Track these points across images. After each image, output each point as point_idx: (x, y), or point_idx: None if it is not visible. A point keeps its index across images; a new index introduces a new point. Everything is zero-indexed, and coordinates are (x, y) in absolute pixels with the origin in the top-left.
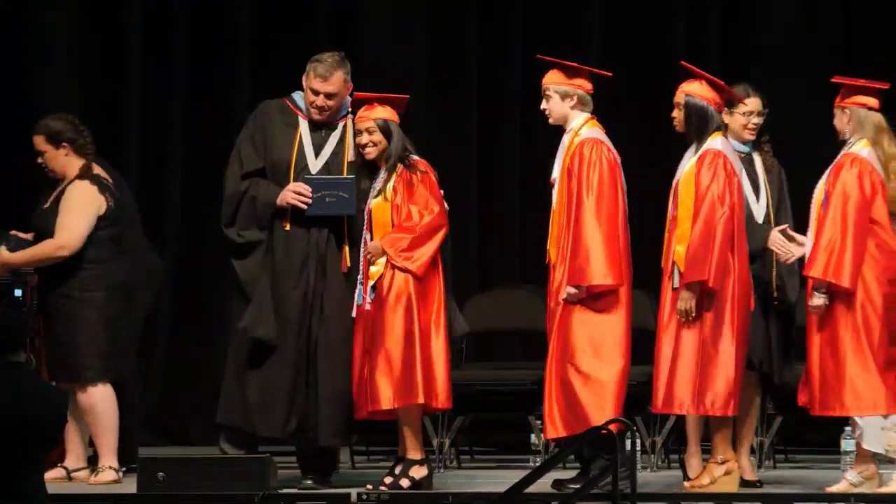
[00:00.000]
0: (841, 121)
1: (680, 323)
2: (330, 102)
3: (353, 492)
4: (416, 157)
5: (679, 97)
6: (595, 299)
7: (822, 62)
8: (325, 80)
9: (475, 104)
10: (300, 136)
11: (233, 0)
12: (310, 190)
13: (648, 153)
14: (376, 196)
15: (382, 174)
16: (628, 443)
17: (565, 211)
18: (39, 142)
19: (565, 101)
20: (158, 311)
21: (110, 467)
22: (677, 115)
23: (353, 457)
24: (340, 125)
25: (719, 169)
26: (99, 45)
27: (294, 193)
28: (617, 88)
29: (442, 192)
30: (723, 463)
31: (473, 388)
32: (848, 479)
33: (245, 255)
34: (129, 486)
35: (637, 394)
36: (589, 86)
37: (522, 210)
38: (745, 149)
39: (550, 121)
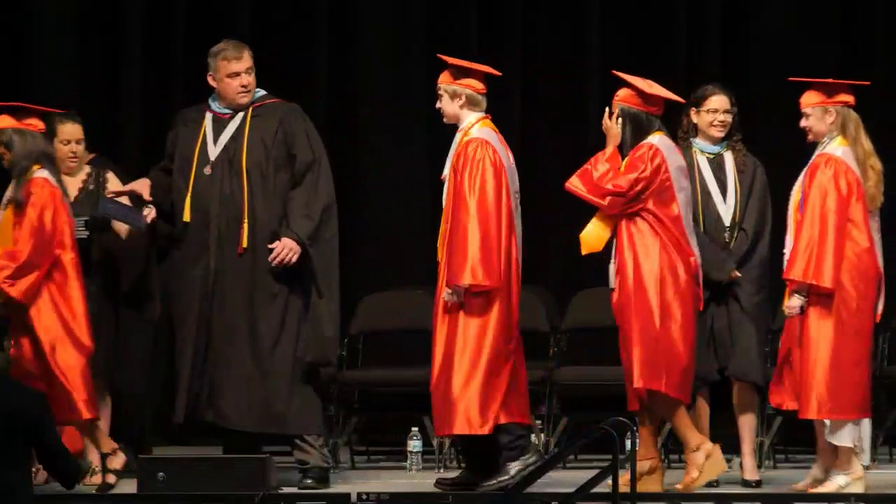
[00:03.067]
0: (824, 121)
1: (629, 319)
2: (251, 78)
3: (353, 492)
4: (38, 177)
5: (614, 107)
6: (469, 301)
7: (822, 63)
8: (239, 59)
9: None
10: (204, 128)
11: (233, 0)
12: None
13: None
14: (4, 208)
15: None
16: (628, 443)
17: (451, 210)
18: (80, 131)
19: (454, 100)
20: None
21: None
22: (614, 122)
23: (353, 457)
24: (240, 115)
25: (646, 160)
26: (99, 44)
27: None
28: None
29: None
30: (698, 449)
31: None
32: (835, 482)
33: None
34: (129, 486)
35: None
36: (480, 86)
37: (522, 211)
38: (715, 149)
39: (444, 120)
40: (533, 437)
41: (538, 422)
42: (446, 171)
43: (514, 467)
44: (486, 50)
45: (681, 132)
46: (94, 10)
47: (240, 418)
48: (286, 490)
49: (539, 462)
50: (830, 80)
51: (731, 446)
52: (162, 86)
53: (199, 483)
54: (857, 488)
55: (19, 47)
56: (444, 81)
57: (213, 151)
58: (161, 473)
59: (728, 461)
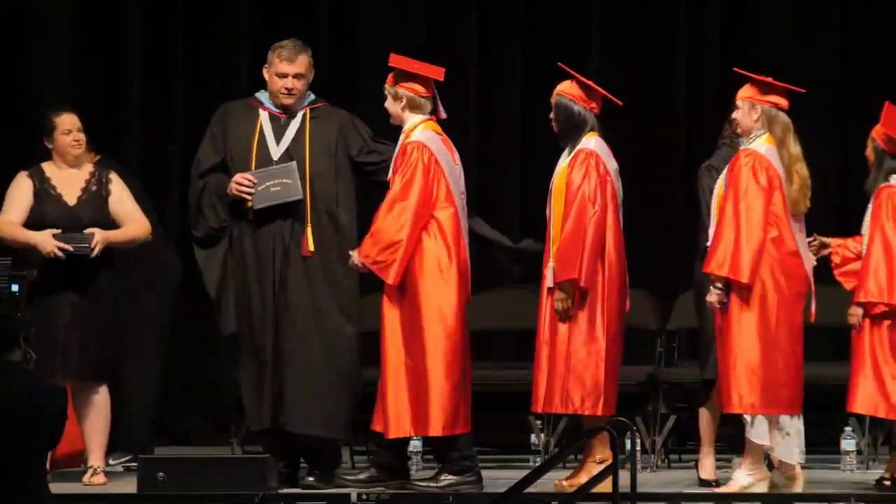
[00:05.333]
0: (749, 116)
1: (554, 323)
2: (299, 84)
3: (353, 492)
4: None
5: (552, 98)
6: (402, 297)
7: (822, 63)
8: (292, 61)
9: (475, 103)
10: (260, 127)
11: (233, 1)
12: (252, 180)
13: (647, 155)
14: None
15: None
16: (628, 443)
17: None
18: (78, 120)
19: (396, 102)
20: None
21: (103, 470)
22: (552, 115)
23: (353, 457)
24: (300, 114)
25: (591, 169)
26: (99, 44)
27: (236, 185)
28: (617, 89)
29: None
30: (601, 462)
31: (473, 388)
32: (739, 481)
33: (205, 246)
34: (130, 486)
35: (637, 394)
36: (422, 89)
37: (522, 210)
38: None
39: (390, 121)
40: (533, 436)
41: (538, 422)
42: (390, 174)
43: (447, 480)
44: (486, 50)
45: (728, 131)
46: (94, 10)
47: (308, 423)
48: (286, 490)
49: (477, 485)
50: (765, 79)
51: (731, 446)
52: (162, 86)
53: (199, 483)
54: (761, 489)
55: (19, 47)
56: (389, 83)
57: (276, 152)
58: (161, 473)
59: (728, 461)
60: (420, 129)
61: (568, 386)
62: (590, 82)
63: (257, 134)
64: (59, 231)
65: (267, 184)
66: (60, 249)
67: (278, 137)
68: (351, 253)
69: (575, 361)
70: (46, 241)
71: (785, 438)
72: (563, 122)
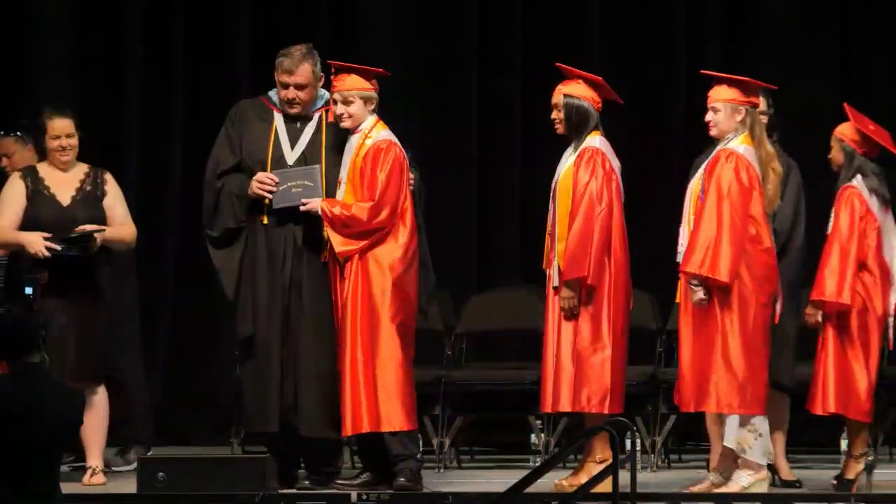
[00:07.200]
0: (732, 119)
1: (561, 323)
2: (301, 94)
3: (353, 492)
4: None
5: (557, 98)
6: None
7: (822, 63)
8: (292, 73)
9: (475, 103)
10: (275, 130)
11: (233, 1)
12: (274, 179)
13: (648, 155)
14: None
15: None
16: (628, 443)
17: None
18: (70, 126)
19: (367, 105)
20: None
21: (102, 470)
22: (556, 116)
23: (353, 457)
24: (316, 116)
25: (597, 167)
26: (99, 44)
27: (258, 183)
28: (617, 89)
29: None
30: (601, 462)
31: (473, 387)
32: (738, 482)
33: (221, 245)
34: (130, 486)
35: (637, 394)
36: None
37: (522, 210)
38: None
39: (347, 124)
40: (533, 436)
41: (538, 422)
42: (343, 174)
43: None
44: (486, 50)
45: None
46: (94, 10)
47: (320, 426)
48: (286, 490)
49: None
50: (746, 79)
51: None
52: (162, 86)
53: (199, 483)
54: (761, 488)
55: (19, 47)
56: (357, 87)
57: (291, 156)
58: (161, 473)
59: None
60: (377, 129)
61: (576, 385)
62: (598, 78)
63: (272, 137)
64: (51, 234)
65: (289, 184)
66: (49, 249)
67: (293, 141)
68: (314, 202)
69: (582, 360)
70: (35, 241)
71: (757, 440)
72: (576, 122)
